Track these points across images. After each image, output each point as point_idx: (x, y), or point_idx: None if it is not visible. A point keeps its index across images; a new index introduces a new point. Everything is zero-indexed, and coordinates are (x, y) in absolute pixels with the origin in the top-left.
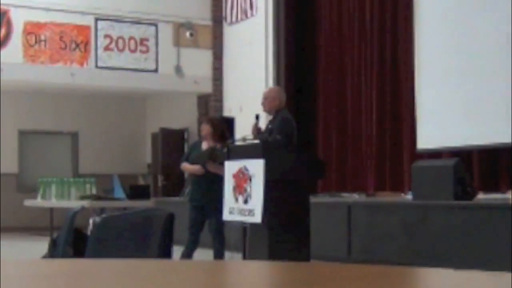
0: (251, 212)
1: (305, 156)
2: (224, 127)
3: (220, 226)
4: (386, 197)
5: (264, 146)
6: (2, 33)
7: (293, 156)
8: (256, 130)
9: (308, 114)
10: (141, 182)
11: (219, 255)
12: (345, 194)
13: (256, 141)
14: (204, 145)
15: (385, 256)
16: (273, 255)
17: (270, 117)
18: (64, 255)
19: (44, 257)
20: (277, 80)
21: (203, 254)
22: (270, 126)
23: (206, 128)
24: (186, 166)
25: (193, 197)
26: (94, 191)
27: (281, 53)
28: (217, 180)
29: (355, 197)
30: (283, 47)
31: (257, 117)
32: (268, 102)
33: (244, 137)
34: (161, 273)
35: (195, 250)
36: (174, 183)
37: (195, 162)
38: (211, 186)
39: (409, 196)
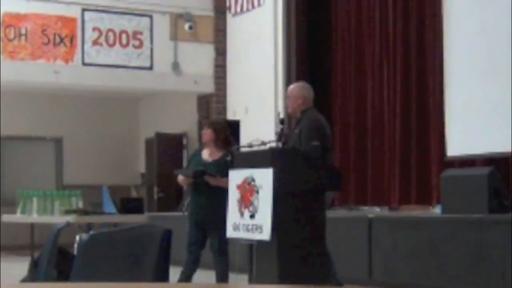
0: (258, 228)
1: (320, 165)
2: (228, 132)
3: (223, 244)
4: (411, 211)
5: (300, 155)
6: None
7: (306, 165)
8: (283, 137)
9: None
10: (134, 194)
11: (222, 277)
12: (365, 208)
13: (264, 147)
14: (206, 153)
15: (410, 278)
16: (283, 277)
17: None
18: (46, 278)
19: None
20: (288, 79)
21: (204, 276)
22: (296, 130)
23: (208, 133)
24: (179, 178)
25: (193, 211)
26: (80, 205)
27: (292, 48)
28: (220, 192)
29: (376, 211)
30: (294, 41)
31: (281, 121)
32: (290, 101)
33: (250, 142)
34: None
35: (195, 271)
36: (171, 195)
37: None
38: (213, 199)
39: (437, 210)
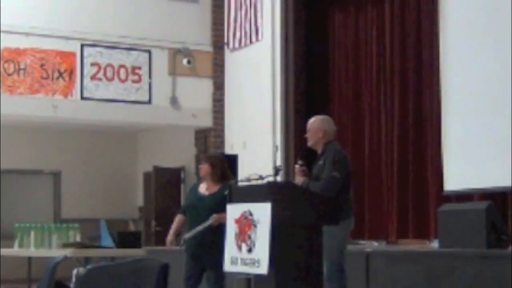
0: (256, 263)
1: (318, 199)
2: (225, 166)
3: (220, 278)
4: (409, 245)
5: (321, 190)
6: None
7: (304, 199)
8: (303, 175)
9: None
10: (132, 228)
11: None
12: (362, 242)
13: (262, 182)
14: (203, 187)
15: None
16: None
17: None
18: None
19: None
20: (286, 113)
21: None
22: (321, 162)
23: (204, 168)
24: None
25: (190, 245)
26: (78, 239)
27: (290, 83)
28: (218, 226)
29: (374, 245)
30: (292, 76)
31: (301, 158)
32: (311, 134)
33: (248, 177)
34: None
35: None
36: (169, 229)
37: (192, 212)
38: (211, 233)
39: (435, 244)
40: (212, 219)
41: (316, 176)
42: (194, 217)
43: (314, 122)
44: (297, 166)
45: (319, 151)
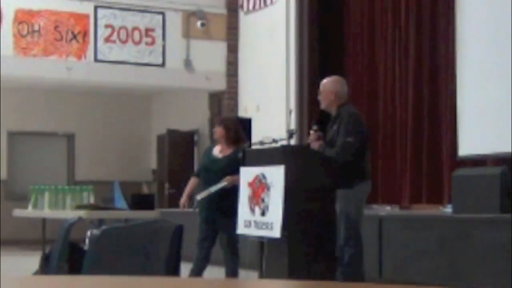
0: (269, 226)
1: (331, 163)
2: (239, 129)
3: (233, 241)
4: (422, 210)
5: (330, 158)
6: None
7: (317, 162)
8: (318, 139)
9: None
10: (145, 190)
11: (232, 273)
12: (376, 206)
13: (276, 145)
14: (217, 150)
15: (420, 276)
16: (293, 273)
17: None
18: (58, 272)
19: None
20: (300, 76)
21: (214, 272)
22: (335, 126)
23: (218, 131)
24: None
25: (203, 208)
26: (92, 200)
27: (304, 45)
28: (231, 189)
29: (387, 209)
30: (306, 38)
31: (316, 123)
32: (323, 97)
33: (261, 140)
34: None
35: (205, 267)
36: (182, 191)
37: (205, 175)
38: (224, 195)
39: (448, 209)
40: (226, 181)
41: (331, 141)
42: (207, 180)
43: (325, 84)
44: (312, 131)
45: (333, 113)
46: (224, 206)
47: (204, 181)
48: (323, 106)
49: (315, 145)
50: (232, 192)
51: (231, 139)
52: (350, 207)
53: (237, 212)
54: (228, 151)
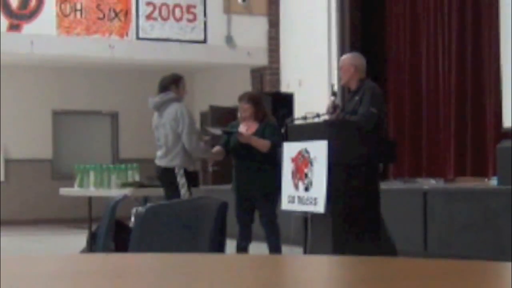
0: (313, 201)
1: (374, 137)
2: (265, 105)
3: (272, 216)
4: (467, 183)
5: (354, 126)
6: (34, 2)
7: (361, 136)
8: (334, 109)
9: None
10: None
11: (275, 249)
12: (420, 180)
13: (319, 120)
14: (243, 127)
15: (465, 250)
16: (338, 249)
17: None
18: (104, 250)
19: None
20: (342, 50)
21: (259, 248)
22: (357, 97)
23: (247, 108)
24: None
25: (238, 186)
26: (137, 178)
27: (345, 19)
28: (266, 165)
29: (431, 183)
30: (347, 13)
31: (334, 93)
32: (343, 72)
33: (304, 115)
34: (213, 269)
35: (249, 243)
36: (225, 169)
37: (235, 154)
38: (260, 172)
39: (493, 182)
40: (241, 137)
41: (352, 112)
42: (240, 158)
43: (344, 59)
44: (329, 102)
45: (353, 87)
46: (259, 182)
47: (237, 163)
48: (343, 81)
49: (333, 114)
50: (266, 168)
51: (260, 115)
52: None
53: (274, 190)
54: (254, 127)
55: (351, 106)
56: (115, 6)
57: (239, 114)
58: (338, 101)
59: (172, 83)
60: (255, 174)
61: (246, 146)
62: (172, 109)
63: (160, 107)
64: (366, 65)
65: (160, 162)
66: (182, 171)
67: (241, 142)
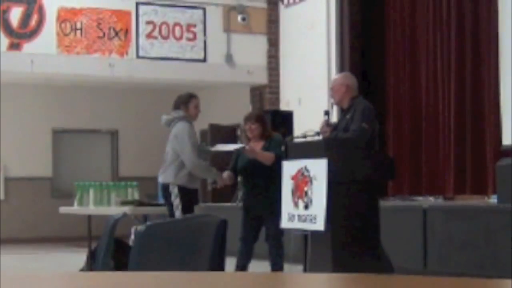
0: (312, 219)
1: (373, 154)
2: (268, 123)
3: (278, 234)
4: (466, 201)
5: (343, 141)
6: (34, 21)
7: (360, 154)
8: (328, 127)
9: (377, 106)
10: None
11: (277, 267)
12: (419, 198)
13: (318, 138)
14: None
15: (465, 268)
16: (337, 266)
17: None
18: (104, 268)
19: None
20: (341, 69)
21: (258, 266)
22: (348, 115)
23: (255, 128)
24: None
25: (248, 204)
26: (136, 196)
27: (345, 39)
28: (274, 182)
29: (431, 200)
30: (347, 32)
31: (326, 112)
32: (335, 91)
33: (304, 133)
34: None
35: (249, 262)
36: (225, 186)
37: (244, 175)
38: (268, 190)
39: (493, 200)
40: (247, 152)
41: (344, 129)
42: (250, 180)
43: (336, 79)
44: (323, 120)
45: (345, 106)
46: (268, 200)
47: (246, 182)
48: (336, 100)
49: (326, 131)
50: (275, 186)
51: (266, 134)
52: None
53: (280, 208)
54: (259, 146)
55: (343, 124)
56: (115, 25)
57: (239, 132)
58: (337, 120)
59: (182, 102)
60: (263, 192)
61: (253, 163)
62: (176, 127)
63: (170, 124)
64: (357, 83)
65: (159, 177)
66: (176, 190)
67: (249, 158)
